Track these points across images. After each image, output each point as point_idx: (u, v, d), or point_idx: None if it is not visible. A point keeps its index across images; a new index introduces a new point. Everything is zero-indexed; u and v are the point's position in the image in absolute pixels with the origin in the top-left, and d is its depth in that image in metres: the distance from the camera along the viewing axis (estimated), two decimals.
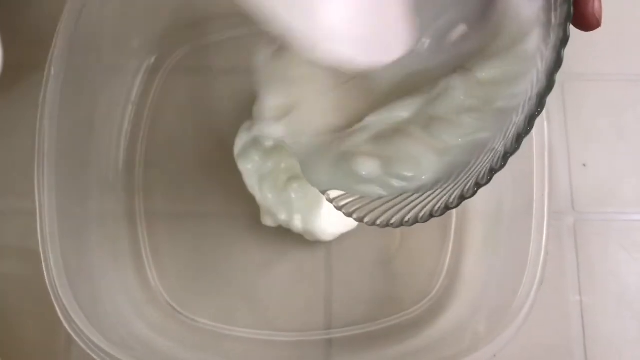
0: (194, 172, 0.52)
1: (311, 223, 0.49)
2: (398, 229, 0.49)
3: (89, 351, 0.38)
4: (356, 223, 0.50)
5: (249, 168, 0.49)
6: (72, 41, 0.42)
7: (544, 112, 0.42)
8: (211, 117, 0.52)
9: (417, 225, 0.49)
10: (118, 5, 0.48)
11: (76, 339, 0.38)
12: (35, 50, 0.45)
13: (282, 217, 0.49)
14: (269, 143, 0.48)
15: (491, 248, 0.47)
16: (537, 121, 0.42)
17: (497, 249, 0.46)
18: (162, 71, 0.54)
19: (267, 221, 0.50)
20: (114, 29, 0.49)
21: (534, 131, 0.42)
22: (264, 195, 0.49)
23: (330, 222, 0.49)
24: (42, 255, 0.39)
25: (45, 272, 0.39)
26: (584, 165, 0.53)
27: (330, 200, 0.38)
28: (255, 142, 0.50)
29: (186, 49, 0.54)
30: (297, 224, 0.49)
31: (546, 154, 0.42)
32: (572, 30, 0.56)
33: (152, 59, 0.53)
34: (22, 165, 0.48)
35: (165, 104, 0.53)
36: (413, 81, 0.35)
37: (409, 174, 0.34)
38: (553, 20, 0.30)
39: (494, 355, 0.38)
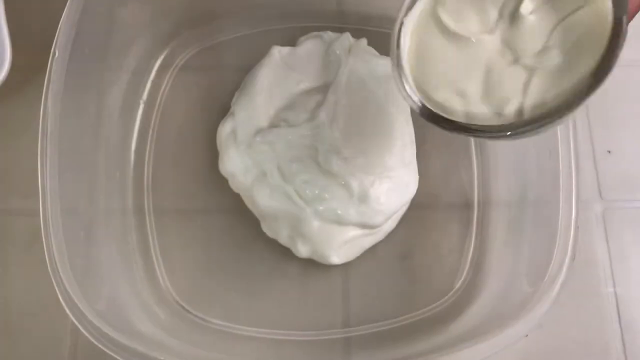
0: (204, 169, 0.51)
1: (321, 252, 0.47)
2: (419, 220, 0.49)
3: (100, 345, 0.37)
4: (371, 244, 0.49)
5: (232, 171, 0.48)
6: (78, 38, 0.42)
7: None
8: (220, 114, 0.51)
9: (437, 218, 0.49)
10: (127, 3, 0.49)
11: (87, 334, 0.37)
12: (43, 53, 0.44)
13: (284, 235, 0.48)
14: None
15: (517, 233, 0.46)
16: None
17: (524, 233, 0.45)
18: (172, 70, 0.54)
19: (267, 230, 0.49)
20: (123, 27, 0.49)
21: None
22: (257, 202, 0.47)
23: (346, 250, 0.48)
24: (46, 253, 0.38)
25: (50, 271, 0.38)
26: (609, 152, 0.52)
27: None
28: (235, 135, 0.48)
29: (195, 47, 0.55)
30: (301, 249, 0.47)
31: (571, 133, 0.41)
32: None
33: (162, 58, 0.54)
34: (31, 166, 0.48)
35: (174, 101, 0.53)
36: None
37: None
38: None
39: (526, 335, 0.37)
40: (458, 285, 0.48)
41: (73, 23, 0.42)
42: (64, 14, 0.42)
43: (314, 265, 0.48)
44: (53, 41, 0.43)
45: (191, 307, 0.48)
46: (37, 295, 0.47)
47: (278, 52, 0.51)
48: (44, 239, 0.39)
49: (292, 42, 0.52)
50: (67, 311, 0.37)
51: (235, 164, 0.48)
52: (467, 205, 0.50)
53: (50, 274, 0.38)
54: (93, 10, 0.43)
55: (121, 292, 0.44)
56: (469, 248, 0.49)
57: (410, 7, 0.36)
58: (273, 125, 0.47)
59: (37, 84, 0.50)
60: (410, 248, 0.49)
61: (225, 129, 0.49)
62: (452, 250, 0.49)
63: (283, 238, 0.47)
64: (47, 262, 0.38)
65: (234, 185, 0.49)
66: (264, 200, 0.46)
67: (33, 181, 0.41)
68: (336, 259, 0.47)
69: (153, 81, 0.53)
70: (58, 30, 0.41)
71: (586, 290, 0.48)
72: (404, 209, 0.49)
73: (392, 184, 0.46)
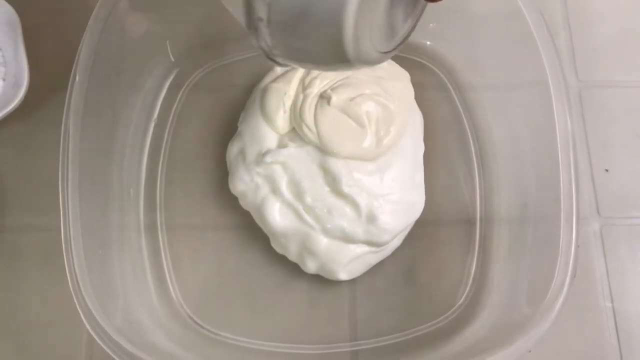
0: (214, 187, 0.52)
1: (329, 269, 0.47)
2: (423, 237, 0.50)
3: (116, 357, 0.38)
4: (377, 261, 0.49)
5: (242, 190, 0.48)
6: (94, 60, 0.44)
7: (565, 109, 0.43)
8: (230, 133, 0.52)
9: (440, 236, 0.51)
10: (140, 27, 0.50)
11: (106, 348, 0.38)
12: (58, 73, 0.47)
13: (293, 252, 0.48)
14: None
15: (519, 250, 0.47)
16: (560, 115, 0.43)
17: (525, 250, 0.46)
18: (183, 90, 0.55)
19: (276, 247, 0.49)
20: (136, 49, 0.51)
21: (556, 128, 0.43)
22: (267, 219, 0.47)
23: (353, 266, 0.48)
24: (67, 269, 0.39)
25: (71, 287, 0.39)
26: (607, 170, 0.53)
27: None
28: (244, 156, 0.49)
29: (205, 69, 0.56)
30: (309, 266, 0.48)
31: (571, 153, 0.43)
32: (586, 41, 0.55)
33: (173, 78, 0.55)
34: (47, 184, 0.49)
35: (185, 121, 0.54)
36: None
37: None
38: None
39: (529, 351, 0.38)
40: (461, 300, 0.49)
41: (92, 48, 0.43)
42: (83, 38, 0.43)
43: (322, 281, 0.49)
44: (67, 62, 0.45)
45: (203, 321, 0.48)
46: (53, 308, 0.48)
47: (281, 71, 0.51)
48: (65, 256, 0.40)
49: None
50: (87, 326, 0.38)
51: (245, 183, 0.48)
52: (470, 223, 0.51)
53: (71, 289, 0.39)
54: (110, 35, 0.44)
55: (135, 306, 0.45)
56: (471, 264, 0.50)
57: None
58: (281, 145, 0.48)
59: (52, 103, 0.53)
60: (415, 264, 0.50)
61: (233, 149, 0.50)
62: (455, 267, 0.50)
63: (292, 254, 0.48)
64: (68, 278, 0.39)
65: (244, 203, 0.49)
66: (274, 218, 0.47)
67: (48, 198, 0.44)
68: (344, 275, 0.47)
69: (164, 101, 0.55)
70: (78, 54, 0.43)
71: (585, 305, 0.49)
72: (410, 227, 0.49)
73: (399, 205, 0.47)
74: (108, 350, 0.37)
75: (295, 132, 0.48)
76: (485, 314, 0.47)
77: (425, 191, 0.50)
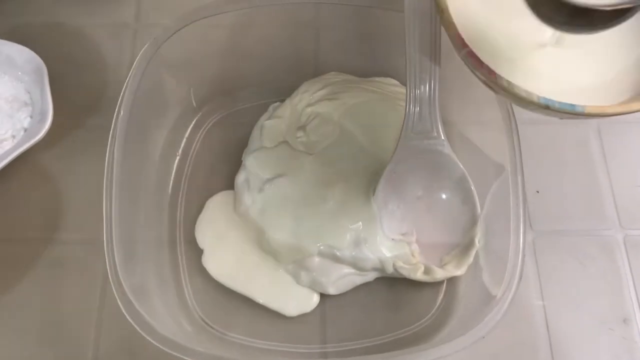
0: None
1: (319, 283, 0.50)
2: None
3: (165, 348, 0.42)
4: (362, 282, 0.51)
5: (245, 212, 0.52)
6: (132, 104, 0.49)
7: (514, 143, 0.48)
8: (239, 164, 0.57)
9: None
10: (173, 80, 0.57)
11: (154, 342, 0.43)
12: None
13: (289, 267, 0.51)
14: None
15: (479, 265, 0.52)
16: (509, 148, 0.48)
17: (485, 263, 0.51)
18: (202, 130, 0.61)
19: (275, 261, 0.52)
20: (168, 96, 0.57)
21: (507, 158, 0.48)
22: (267, 237, 0.50)
23: (341, 283, 0.51)
24: (110, 276, 0.44)
25: (115, 292, 0.44)
26: (537, 192, 0.58)
27: None
28: (249, 184, 0.53)
29: (220, 113, 0.61)
30: (304, 280, 0.50)
31: (519, 178, 0.47)
32: None
33: (195, 120, 0.61)
34: (64, 204, 0.56)
35: (203, 155, 0.60)
36: None
37: None
38: None
39: (483, 337, 0.42)
40: (433, 310, 0.53)
41: (132, 91, 0.49)
42: (126, 84, 0.49)
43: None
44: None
45: (212, 323, 0.53)
46: (81, 311, 0.53)
47: (273, 109, 0.58)
48: (107, 263, 0.44)
49: None
50: (136, 327, 0.43)
51: (247, 207, 0.52)
52: None
53: (115, 294, 0.44)
54: (146, 84, 0.50)
55: (156, 309, 0.48)
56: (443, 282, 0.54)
57: None
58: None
59: (71, 138, 0.60)
60: (395, 281, 0.54)
61: (240, 178, 0.54)
62: (430, 284, 0.54)
63: (288, 269, 0.51)
64: (111, 281, 0.44)
65: (246, 223, 0.53)
66: (274, 235, 0.51)
67: (61, 215, 0.53)
68: (332, 290, 0.51)
69: (187, 138, 0.60)
70: (121, 95, 0.49)
71: (522, 303, 0.53)
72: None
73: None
74: (157, 344, 0.42)
75: (294, 161, 0.52)
76: (453, 321, 0.51)
77: None
